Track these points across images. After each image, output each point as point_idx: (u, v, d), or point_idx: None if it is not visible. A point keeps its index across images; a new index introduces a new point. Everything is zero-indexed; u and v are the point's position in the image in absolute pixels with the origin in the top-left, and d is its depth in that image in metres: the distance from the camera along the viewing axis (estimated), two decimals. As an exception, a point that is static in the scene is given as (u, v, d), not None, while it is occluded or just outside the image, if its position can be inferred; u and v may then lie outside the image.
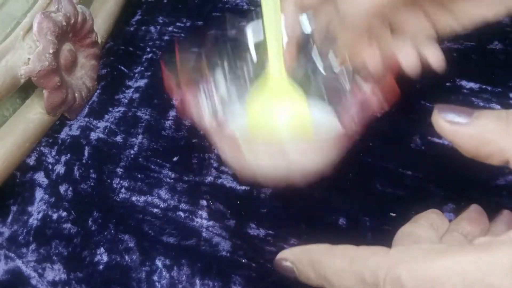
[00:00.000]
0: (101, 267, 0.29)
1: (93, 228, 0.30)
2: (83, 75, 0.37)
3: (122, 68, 0.41)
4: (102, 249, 0.29)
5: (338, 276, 0.18)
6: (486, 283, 0.15)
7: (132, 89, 0.39)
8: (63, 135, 0.36)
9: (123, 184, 0.33)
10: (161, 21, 0.45)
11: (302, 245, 0.20)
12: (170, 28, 0.44)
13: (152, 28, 0.44)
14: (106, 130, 0.36)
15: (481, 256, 0.16)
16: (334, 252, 0.19)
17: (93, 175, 0.33)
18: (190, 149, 0.34)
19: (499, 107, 0.33)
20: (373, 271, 0.17)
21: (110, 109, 0.38)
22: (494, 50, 0.36)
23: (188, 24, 0.44)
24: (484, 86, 0.34)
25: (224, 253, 0.28)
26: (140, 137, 0.35)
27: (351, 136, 0.25)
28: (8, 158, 0.31)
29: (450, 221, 0.23)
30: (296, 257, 0.20)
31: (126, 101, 0.38)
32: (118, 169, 0.33)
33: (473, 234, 0.21)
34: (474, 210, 0.23)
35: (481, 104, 0.33)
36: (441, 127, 0.19)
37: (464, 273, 0.16)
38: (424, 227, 0.21)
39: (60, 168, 0.34)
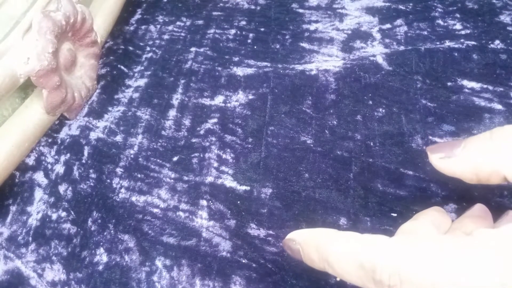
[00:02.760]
0: (100, 267, 0.29)
1: (92, 228, 0.30)
2: (83, 74, 0.37)
3: (122, 67, 0.41)
4: (101, 249, 0.29)
5: (338, 259, 0.19)
6: (487, 276, 0.15)
7: (132, 89, 0.39)
8: (62, 134, 0.36)
9: (122, 184, 0.32)
10: (161, 20, 0.45)
11: (311, 228, 0.21)
12: (170, 27, 0.44)
13: (152, 27, 0.44)
14: (106, 130, 0.36)
15: (481, 248, 0.16)
16: (338, 236, 0.20)
17: (92, 175, 0.33)
18: (190, 149, 0.34)
19: (500, 107, 0.32)
20: (372, 258, 0.18)
21: (110, 108, 0.37)
22: (495, 49, 0.36)
23: (188, 23, 0.44)
24: (485, 86, 0.34)
25: (224, 253, 0.28)
26: (140, 137, 0.35)
27: None
28: (8, 158, 0.31)
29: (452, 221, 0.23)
30: (303, 239, 0.21)
31: (125, 100, 0.38)
32: (117, 169, 0.33)
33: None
34: (478, 209, 0.23)
35: (483, 104, 0.33)
36: (438, 166, 0.21)
37: (464, 265, 0.16)
38: (425, 225, 0.21)
39: (59, 168, 0.34)
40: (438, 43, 0.37)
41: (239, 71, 0.39)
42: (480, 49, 0.36)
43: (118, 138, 0.35)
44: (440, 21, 0.39)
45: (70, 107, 0.35)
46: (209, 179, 0.32)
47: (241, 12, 0.44)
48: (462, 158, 0.19)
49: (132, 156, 0.34)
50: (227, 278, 0.27)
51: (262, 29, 0.42)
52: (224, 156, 0.33)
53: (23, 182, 0.33)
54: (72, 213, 0.31)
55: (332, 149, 0.32)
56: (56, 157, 0.35)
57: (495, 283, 0.15)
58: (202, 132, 0.35)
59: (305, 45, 0.40)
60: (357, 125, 0.33)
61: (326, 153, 0.32)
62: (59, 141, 0.36)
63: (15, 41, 0.29)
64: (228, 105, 0.36)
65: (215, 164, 0.32)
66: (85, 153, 0.35)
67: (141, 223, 0.30)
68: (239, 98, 0.36)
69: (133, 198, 0.32)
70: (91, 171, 0.33)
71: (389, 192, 0.30)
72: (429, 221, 0.21)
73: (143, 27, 0.44)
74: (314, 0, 0.44)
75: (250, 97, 0.36)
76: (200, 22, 0.44)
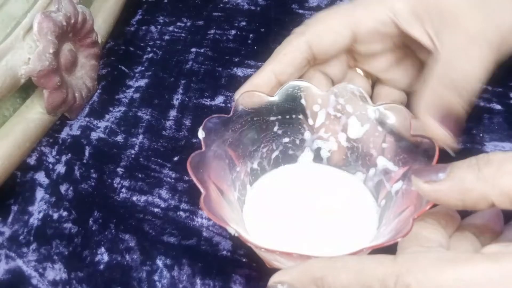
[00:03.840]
0: (101, 266, 0.29)
1: (93, 228, 0.30)
2: (83, 75, 0.37)
3: (123, 68, 0.41)
4: (102, 249, 0.29)
5: None
6: None
7: (132, 89, 0.39)
8: (63, 134, 0.36)
9: (123, 183, 0.33)
10: (161, 21, 0.45)
11: (297, 265, 0.20)
12: (170, 28, 0.44)
13: (152, 28, 0.44)
14: (107, 130, 0.36)
15: (491, 267, 0.15)
16: (337, 266, 0.18)
17: (93, 175, 0.33)
18: (191, 149, 0.34)
19: (499, 107, 0.33)
20: (382, 281, 0.17)
21: (111, 109, 0.38)
22: (494, 49, 0.36)
23: (188, 24, 0.44)
24: (484, 86, 0.34)
25: (224, 252, 0.28)
26: (140, 137, 0.35)
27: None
28: (8, 158, 0.31)
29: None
30: (294, 278, 0.19)
31: (126, 101, 0.38)
32: (118, 169, 0.33)
33: (485, 235, 0.21)
34: (491, 211, 0.22)
35: (482, 104, 0.33)
36: (422, 190, 0.20)
37: (474, 284, 0.15)
38: (431, 227, 0.21)
39: (60, 168, 0.34)
40: (437, 43, 0.37)
41: (240, 72, 0.39)
42: (480, 49, 0.36)
43: (119, 138, 0.35)
44: (439, 22, 0.39)
45: (71, 107, 0.35)
46: (210, 179, 0.32)
47: (241, 13, 0.44)
48: (447, 183, 0.19)
49: (133, 156, 0.34)
50: (227, 277, 0.27)
51: (262, 30, 0.42)
52: (224, 156, 0.33)
53: (24, 182, 0.34)
54: (73, 212, 0.32)
55: (332, 149, 0.32)
56: (57, 157, 0.35)
57: None
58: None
59: (305, 45, 0.40)
60: (357, 125, 0.33)
61: (326, 153, 0.32)
62: (60, 141, 0.36)
63: (16, 42, 0.30)
64: (229, 105, 0.36)
65: (216, 164, 0.33)
66: (86, 153, 0.35)
67: (142, 222, 0.30)
68: (240, 98, 0.36)
69: (134, 198, 0.32)
70: (92, 171, 0.34)
71: (389, 191, 0.30)
72: (436, 221, 0.21)
73: (143, 27, 0.44)
74: (314, 1, 0.44)
75: (250, 97, 0.36)
76: (201, 22, 0.44)
